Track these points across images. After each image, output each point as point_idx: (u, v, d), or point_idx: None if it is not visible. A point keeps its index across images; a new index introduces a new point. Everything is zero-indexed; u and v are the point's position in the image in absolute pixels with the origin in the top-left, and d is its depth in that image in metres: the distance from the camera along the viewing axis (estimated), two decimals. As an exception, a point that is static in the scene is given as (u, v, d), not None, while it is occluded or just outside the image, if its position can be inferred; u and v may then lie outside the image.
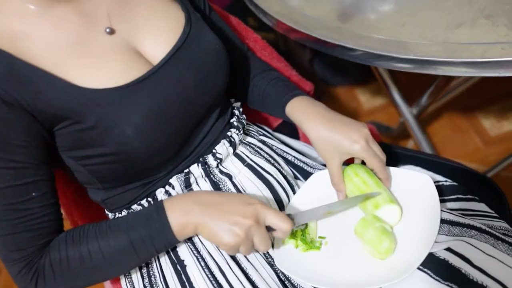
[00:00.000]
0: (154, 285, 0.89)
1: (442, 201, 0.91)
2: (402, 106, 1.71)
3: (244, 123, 1.00)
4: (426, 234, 0.84)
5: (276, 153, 1.04)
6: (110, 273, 0.82)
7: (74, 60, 0.77)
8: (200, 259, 0.87)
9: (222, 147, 0.93)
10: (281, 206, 0.96)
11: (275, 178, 0.97)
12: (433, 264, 0.79)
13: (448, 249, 0.80)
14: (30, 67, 0.74)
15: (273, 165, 0.98)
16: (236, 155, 0.96)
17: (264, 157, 0.99)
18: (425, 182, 0.91)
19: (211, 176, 0.92)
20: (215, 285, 0.85)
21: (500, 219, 0.91)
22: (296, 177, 1.04)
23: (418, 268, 0.80)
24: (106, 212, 0.96)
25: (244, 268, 0.86)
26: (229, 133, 0.95)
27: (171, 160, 0.89)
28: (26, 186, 0.75)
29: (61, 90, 0.75)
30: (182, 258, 0.88)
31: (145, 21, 0.86)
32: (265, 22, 1.30)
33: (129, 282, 0.93)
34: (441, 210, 0.87)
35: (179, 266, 0.88)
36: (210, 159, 0.92)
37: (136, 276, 0.92)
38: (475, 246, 0.80)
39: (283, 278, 0.88)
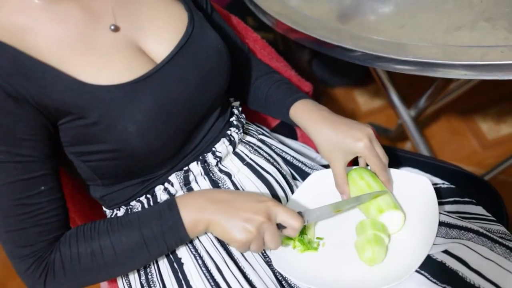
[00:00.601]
0: (150, 283, 0.89)
1: (439, 203, 0.91)
2: (400, 108, 1.71)
3: (244, 122, 1.01)
4: (424, 237, 0.84)
5: (275, 152, 1.04)
6: (120, 269, 0.82)
7: (78, 56, 0.77)
8: (197, 257, 0.87)
9: (222, 146, 0.93)
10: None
11: (274, 178, 0.97)
12: (430, 266, 0.80)
13: (446, 252, 0.80)
14: (34, 61, 0.74)
15: (272, 164, 0.98)
16: (236, 154, 0.96)
17: (263, 156, 0.99)
18: (424, 184, 0.91)
19: (211, 174, 0.92)
20: (212, 283, 0.85)
21: (497, 223, 0.91)
22: (294, 177, 1.04)
23: (416, 270, 0.80)
24: (104, 209, 0.96)
25: (242, 267, 0.86)
26: (229, 132, 0.96)
27: (172, 158, 0.89)
28: (34, 180, 0.74)
29: (66, 84, 0.75)
30: (179, 256, 0.88)
31: (149, 20, 0.86)
32: (265, 22, 1.30)
33: (125, 280, 0.93)
34: (439, 213, 0.87)
35: (176, 264, 0.88)
36: (209, 157, 0.92)
37: (132, 274, 0.91)
38: (472, 249, 0.80)
39: (280, 278, 0.88)
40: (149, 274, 0.89)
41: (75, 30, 0.78)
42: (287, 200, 0.97)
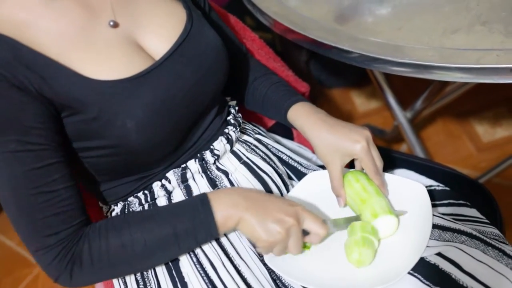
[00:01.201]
0: (146, 279, 0.89)
1: (433, 205, 0.92)
2: (396, 109, 1.72)
3: (240, 121, 1.01)
4: (418, 240, 0.84)
5: (272, 152, 1.04)
6: (150, 262, 0.82)
7: (77, 51, 0.77)
8: (192, 255, 0.87)
9: (220, 144, 0.94)
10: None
11: (270, 177, 0.97)
12: (423, 269, 0.80)
13: (439, 254, 0.81)
14: (35, 53, 0.74)
15: (268, 163, 0.99)
16: (233, 152, 0.97)
17: (260, 155, 0.99)
18: (418, 190, 0.92)
19: (208, 172, 0.93)
20: (207, 281, 0.85)
21: (491, 225, 0.92)
22: (290, 177, 1.05)
23: (409, 273, 0.80)
24: (100, 204, 0.97)
25: (237, 265, 0.87)
26: (226, 130, 0.96)
27: (170, 154, 0.89)
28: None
29: (66, 78, 0.76)
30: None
31: (148, 17, 0.87)
32: (263, 22, 1.30)
33: (120, 277, 0.93)
34: (433, 215, 0.87)
35: (171, 262, 0.88)
36: (207, 155, 0.92)
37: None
38: (465, 252, 0.81)
39: (274, 277, 0.88)
40: (144, 271, 0.90)
41: (75, 26, 0.78)
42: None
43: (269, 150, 1.04)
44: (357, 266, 0.84)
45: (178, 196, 0.91)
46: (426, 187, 0.92)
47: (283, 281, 0.88)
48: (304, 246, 0.89)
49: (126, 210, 0.92)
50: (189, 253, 0.87)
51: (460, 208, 0.97)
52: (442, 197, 0.99)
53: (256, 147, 1.01)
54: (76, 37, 0.78)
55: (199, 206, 0.81)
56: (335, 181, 0.93)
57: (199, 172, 0.92)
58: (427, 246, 0.82)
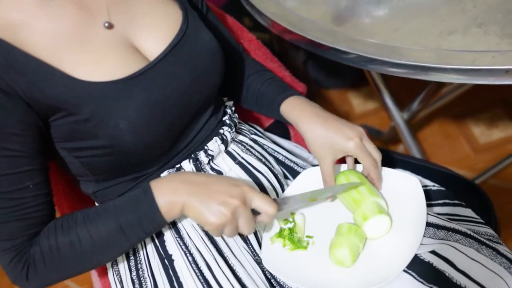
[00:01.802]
0: (141, 279, 0.90)
1: (429, 205, 0.92)
2: (393, 110, 1.72)
3: (236, 121, 1.01)
4: (412, 237, 0.85)
5: (267, 152, 1.05)
6: (101, 258, 0.82)
7: (71, 53, 0.77)
8: (188, 254, 0.88)
9: (214, 144, 0.94)
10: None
11: (265, 177, 0.98)
12: (417, 266, 0.81)
13: (433, 252, 0.82)
14: (27, 56, 0.74)
15: (264, 163, 0.99)
16: (228, 152, 0.97)
17: (255, 155, 0.99)
18: (412, 184, 0.92)
19: (202, 172, 0.93)
20: (202, 280, 0.86)
21: (485, 225, 0.92)
22: (286, 177, 1.05)
23: (403, 270, 0.81)
24: (96, 204, 0.96)
25: (232, 265, 0.87)
26: (221, 131, 0.96)
27: (164, 155, 0.89)
28: (20, 175, 0.75)
29: (58, 81, 0.76)
30: (170, 252, 0.88)
31: (143, 18, 0.87)
32: (260, 23, 1.30)
33: (116, 275, 0.94)
34: (428, 214, 0.88)
35: (167, 261, 0.88)
36: (201, 155, 0.92)
37: (123, 269, 0.92)
38: (459, 250, 0.82)
39: (269, 276, 0.88)
40: (140, 270, 0.90)
41: (69, 27, 0.78)
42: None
43: (265, 150, 1.05)
44: (337, 265, 0.85)
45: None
46: (422, 187, 0.93)
47: (278, 280, 0.88)
48: (301, 246, 0.90)
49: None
50: (184, 252, 0.88)
51: (455, 208, 0.98)
52: (438, 197, 1.00)
53: (252, 147, 1.01)
54: (70, 38, 0.78)
55: (141, 196, 0.80)
56: (327, 176, 0.93)
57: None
58: (422, 244, 0.83)
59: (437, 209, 0.97)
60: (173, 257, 0.88)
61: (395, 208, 0.90)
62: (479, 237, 0.85)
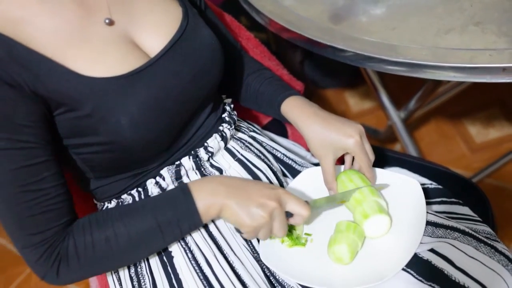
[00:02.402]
0: (140, 276, 0.89)
1: (427, 203, 0.92)
2: (390, 109, 1.73)
3: (235, 119, 1.01)
4: (411, 237, 0.85)
5: (266, 149, 1.05)
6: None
7: (72, 49, 0.78)
8: (187, 251, 0.88)
9: (214, 141, 0.94)
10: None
11: (264, 174, 0.98)
12: (416, 265, 0.81)
13: (432, 250, 0.82)
14: (30, 51, 0.74)
15: (263, 160, 0.99)
16: (227, 149, 0.97)
17: (254, 152, 1.00)
18: (412, 186, 0.93)
19: (202, 169, 0.93)
20: (201, 277, 0.85)
21: (483, 223, 0.93)
22: (284, 175, 1.05)
23: (402, 269, 0.81)
24: (95, 201, 0.97)
25: (231, 262, 0.87)
26: (221, 128, 0.96)
27: (164, 152, 0.89)
28: (37, 166, 0.74)
29: (60, 75, 0.76)
30: (169, 249, 0.88)
31: (144, 14, 0.87)
32: (257, 22, 1.30)
33: (114, 273, 0.93)
34: (427, 213, 0.88)
35: (166, 258, 0.88)
36: (201, 152, 0.93)
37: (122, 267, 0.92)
38: (458, 248, 0.82)
39: (268, 274, 0.88)
40: (139, 267, 0.90)
41: (70, 23, 0.78)
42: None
43: (264, 147, 1.05)
44: (335, 262, 0.85)
45: (172, 193, 0.91)
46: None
47: (277, 277, 0.88)
48: (299, 243, 0.90)
49: (119, 207, 0.92)
50: (184, 248, 0.88)
51: (452, 206, 0.98)
52: (435, 195, 1.00)
53: (251, 144, 1.01)
54: (71, 34, 0.78)
55: (180, 196, 0.81)
56: (328, 175, 0.93)
57: (193, 169, 0.92)
58: (421, 243, 0.83)
59: (435, 207, 0.98)
60: (172, 254, 0.88)
61: (395, 210, 0.90)
62: (477, 235, 0.85)
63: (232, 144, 0.99)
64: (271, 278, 0.88)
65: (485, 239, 0.85)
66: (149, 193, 0.90)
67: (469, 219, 0.94)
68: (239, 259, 0.88)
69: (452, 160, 1.92)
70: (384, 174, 0.97)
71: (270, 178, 0.98)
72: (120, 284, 0.92)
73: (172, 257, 0.88)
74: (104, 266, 0.81)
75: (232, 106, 1.03)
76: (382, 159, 1.10)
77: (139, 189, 0.90)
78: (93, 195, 0.94)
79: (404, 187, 0.93)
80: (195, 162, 0.92)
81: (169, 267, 0.88)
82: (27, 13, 0.75)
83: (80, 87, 0.77)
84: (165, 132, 0.86)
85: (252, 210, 0.79)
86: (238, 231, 0.84)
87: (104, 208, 0.95)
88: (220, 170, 0.94)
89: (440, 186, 1.02)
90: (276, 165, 1.03)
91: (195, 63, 0.88)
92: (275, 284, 0.88)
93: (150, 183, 0.90)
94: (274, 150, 1.07)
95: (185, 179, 0.92)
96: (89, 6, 0.81)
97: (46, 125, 0.77)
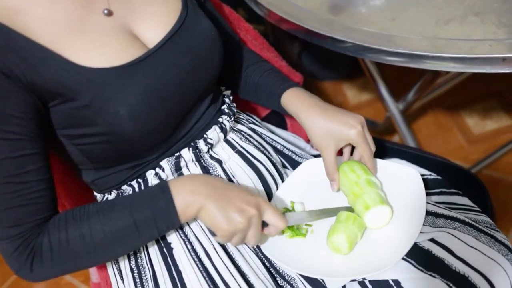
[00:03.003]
0: (140, 267, 0.89)
1: (426, 194, 0.93)
2: (388, 100, 1.72)
3: (235, 110, 1.01)
4: (411, 226, 0.85)
5: (266, 141, 1.05)
6: (110, 253, 0.81)
7: (71, 39, 0.77)
8: (187, 243, 0.88)
9: (213, 133, 0.94)
10: (269, 193, 0.97)
11: (264, 165, 0.97)
12: (416, 254, 0.81)
13: (432, 240, 0.82)
14: (28, 40, 0.74)
15: (262, 152, 0.99)
16: (227, 141, 0.97)
17: (254, 144, 0.99)
18: (412, 176, 0.93)
19: (202, 160, 0.93)
20: (201, 268, 0.86)
21: (482, 213, 0.93)
22: (284, 166, 1.05)
23: (402, 258, 0.81)
24: (95, 193, 0.96)
25: (231, 253, 0.87)
26: (220, 119, 0.96)
27: (163, 143, 0.89)
28: (22, 159, 0.74)
29: (58, 65, 0.75)
30: (169, 241, 0.88)
31: (143, 5, 0.86)
32: (255, 14, 1.30)
33: (115, 265, 0.93)
34: (426, 203, 0.88)
35: (166, 249, 0.88)
36: (201, 143, 0.92)
37: (122, 258, 0.92)
38: (458, 238, 0.82)
39: (268, 265, 0.89)
40: (139, 259, 0.90)
41: (69, 13, 0.78)
42: (277, 188, 0.98)
43: (263, 139, 1.05)
44: (334, 252, 0.85)
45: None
46: (418, 176, 0.93)
47: (277, 268, 0.88)
48: (300, 234, 0.90)
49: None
50: (183, 240, 0.88)
51: (452, 196, 0.98)
52: (434, 186, 1.00)
53: (250, 136, 1.01)
54: (69, 24, 0.78)
55: (159, 194, 0.80)
56: (329, 166, 0.93)
57: (192, 161, 0.92)
58: (421, 232, 0.83)
59: (434, 198, 0.98)
60: (172, 246, 0.88)
61: (395, 200, 0.91)
62: (477, 225, 0.86)
63: (231, 135, 0.98)
64: (271, 269, 0.88)
65: (485, 229, 0.85)
66: (149, 184, 0.90)
67: (468, 209, 0.94)
68: (238, 250, 0.88)
69: (450, 152, 1.92)
70: (384, 164, 0.97)
71: (269, 169, 0.98)
72: (121, 276, 0.92)
73: (172, 248, 0.88)
74: (78, 263, 0.79)
75: (231, 98, 1.03)
76: (382, 151, 1.10)
77: (139, 180, 0.90)
78: (93, 186, 0.94)
79: (403, 177, 0.94)
80: (195, 154, 0.91)
81: (169, 259, 0.88)
82: (25, 2, 0.75)
83: (78, 78, 0.76)
84: (164, 123, 0.85)
85: (231, 214, 0.78)
86: (212, 233, 0.83)
87: (104, 200, 0.94)
88: (219, 162, 0.94)
89: (439, 177, 1.02)
90: (275, 157, 1.03)
91: (194, 54, 0.88)
92: (275, 275, 0.89)
93: (150, 174, 0.90)
94: (274, 142, 1.06)
95: (184, 171, 0.92)
96: None
97: (37, 118, 0.76)
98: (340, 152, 0.97)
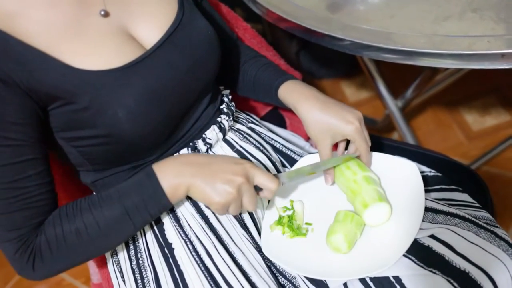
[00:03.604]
0: (141, 268, 0.89)
1: (426, 191, 0.93)
2: (387, 98, 1.72)
3: (233, 110, 1.01)
4: (411, 222, 0.85)
5: (265, 140, 1.05)
6: (107, 244, 0.82)
7: (68, 41, 0.77)
8: (188, 243, 0.88)
9: (212, 133, 0.94)
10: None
11: (263, 165, 0.97)
12: (417, 251, 0.81)
13: (432, 236, 0.82)
14: (24, 45, 0.74)
15: (261, 151, 0.99)
16: (226, 141, 0.97)
17: (253, 143, 0.99)
18: (410, 169, 0.93)
19: (202, 153, 0.92)
20: (203, 268, 0.85)
21: (482, 209, 0.93)
22: (283, 165, 1.05)
23: (403, 255, 0.81)
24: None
25: (232, 253, 0.87)
26: (219, 119, 0.96)
27: (162, 143, 0.89)
28: (23, 164, 0.74)
29: (55, 69, 0.75)
30: (170, 241, 0.88)
31: (139, 6, 0.86)
32: (253, 13, 1.30)
33: (116, 265, 0.93)
34: (426, 199, 0.88)
35: (167, 249, 0.88)
36: (200, 144, 0.92)
37: (123, 259, 0.92)
38: (458, 234, 0.82)
39: (269, 264, 0.89)
40: (140, 259, 0.90)
41: (65, 15, 0.78)
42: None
43: (262, 138, 1.05)
44: (334, 251, 0.85)
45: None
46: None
47: (278, 267, 0.88)
48: (300, 233, 0.90)
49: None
50: (184, 240, 0.88)
51: (452, 193, 0.98)
52: (434, 182, 1.01)
53: (249, 135, 1.01)
54: (66, 27, 0.77)
55: (145, 180, 0.81)
56: (324, 159, 0.93)
57: None
58: (421, 229, 0.83)
59: (434, 195, 0.98)
60: (173, 246, 0.88)
61: (393, 195, 0.91)
62: (477, 221, 0.86)
63: (230, 135, 0.98)
64: (272, 268, 0.89)
65: (485, 225, 0.86)
66: None
67: (468, 205, 0.95)
68: (240, 249, 0.88)
69: (449, 148, 1.93)
70: (381, 158, 0.97)
71: (269, 168, 0.98)
72: (122, 276, 0.92)
73: (173, 249, 0.88)
74: (78, 257, 0.81)
75: (230, 97, 1.03)
76: (381, 148, 1.10)
77: None
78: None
79: (401, 170, 0.94)
80: None
81: (170, 259, 0.88)
82: (22, 5, 0.74)
83: (76, 81, 0.76)
84: (162, 124, 0.85)
85: (218, 186, 0.79)
86: (208, 208, 0.84)
87: None
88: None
89: (439, 174, 1.02)
90: (275, 156, 1.03)
91: (191, 54, 0.88)
92: (277, 274, 0.89)
93: None
94: (273, 141, 1.06)
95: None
96: None
97: (36, 123, 0.76)
98: (335, 146, 0.97)
